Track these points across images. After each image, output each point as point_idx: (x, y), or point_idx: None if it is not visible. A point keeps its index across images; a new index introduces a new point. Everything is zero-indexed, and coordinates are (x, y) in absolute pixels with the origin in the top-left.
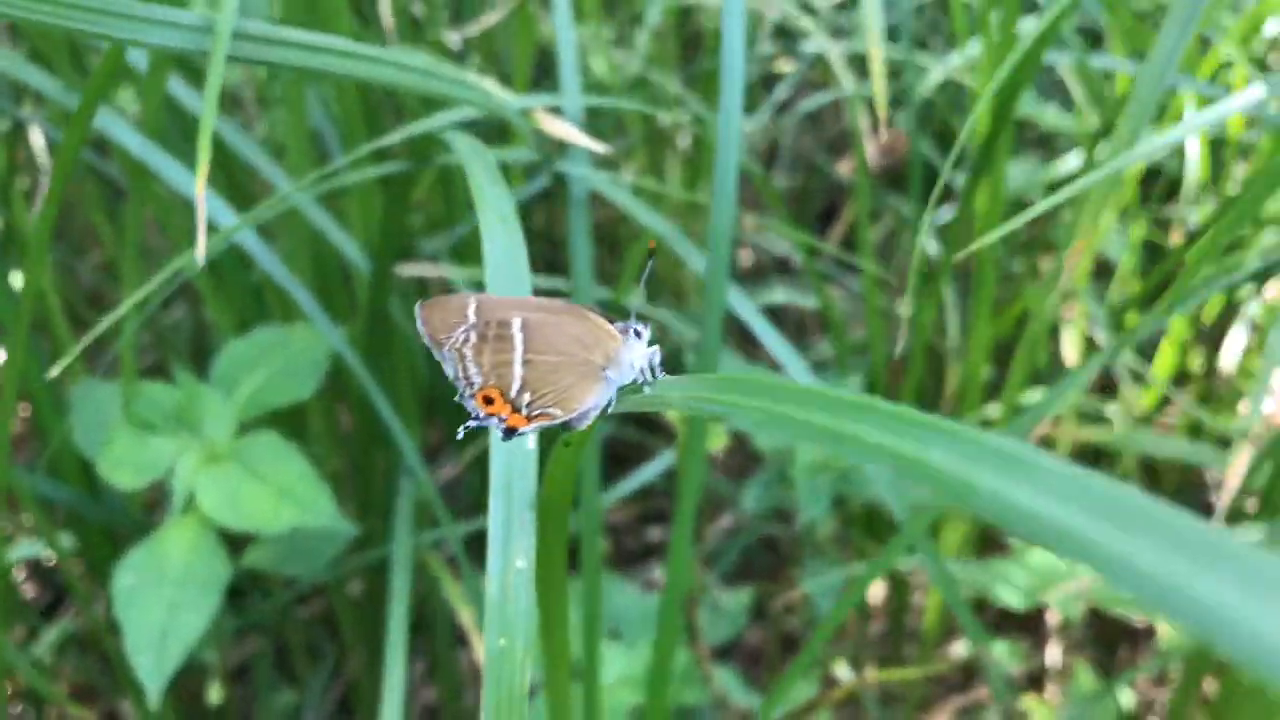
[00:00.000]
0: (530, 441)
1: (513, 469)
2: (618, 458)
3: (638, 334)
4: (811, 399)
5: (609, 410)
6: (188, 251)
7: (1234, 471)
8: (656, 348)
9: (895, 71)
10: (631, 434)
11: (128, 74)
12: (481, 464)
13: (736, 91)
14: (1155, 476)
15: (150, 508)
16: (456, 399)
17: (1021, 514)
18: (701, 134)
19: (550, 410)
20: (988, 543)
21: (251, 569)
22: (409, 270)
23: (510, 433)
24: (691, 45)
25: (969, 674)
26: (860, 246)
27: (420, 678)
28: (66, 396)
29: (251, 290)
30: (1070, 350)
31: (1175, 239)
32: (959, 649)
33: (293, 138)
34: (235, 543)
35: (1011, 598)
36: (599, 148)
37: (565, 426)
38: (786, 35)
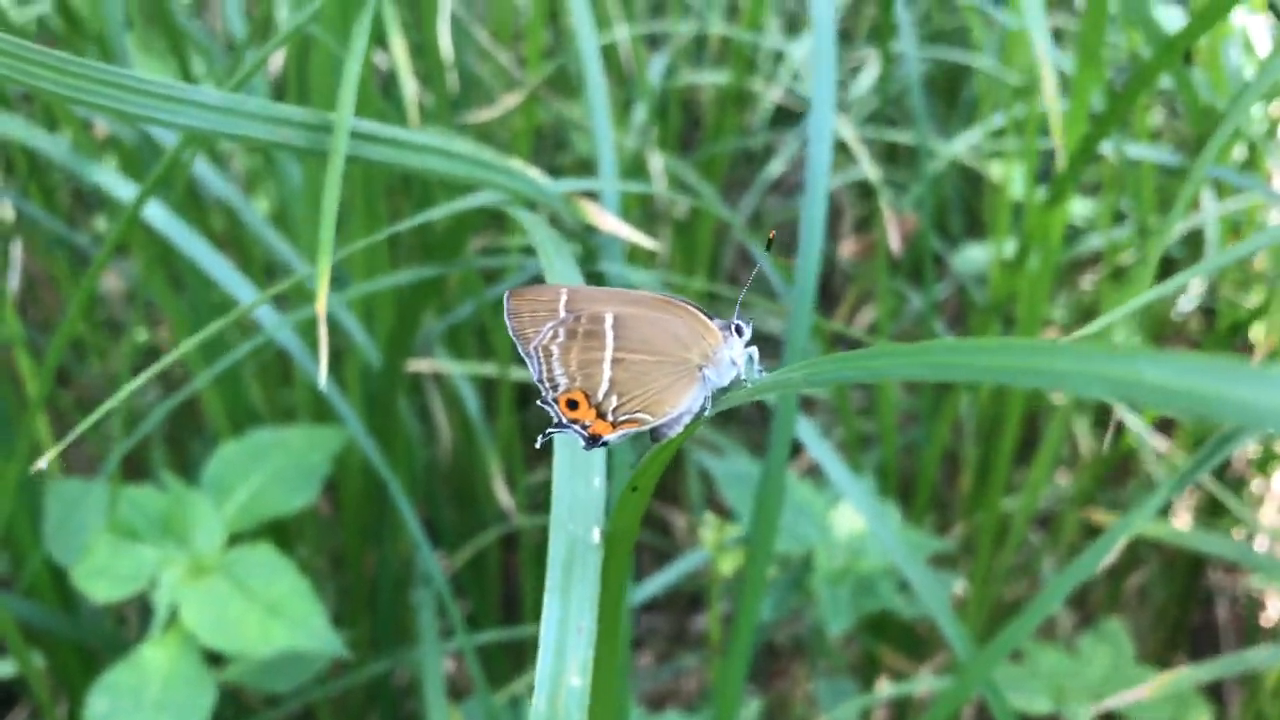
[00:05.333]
0: (595, 535)
1: (574, 560)
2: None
3: (739, 330)
4: (952, 346)
5: (705, 414)
6: (186, 339)
7: None
8: (754, 347)
9: (901, 153)
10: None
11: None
12: (477, 563)
13: (818, 218)
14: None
15: (124, 619)
16: (539, 402)
17: None
18: (700, 211)
19: (639, 415)
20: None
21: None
22: (416, 367)
23: (593, 441)
24: (690, 126)
25: None
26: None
27: None
28: (36, 493)
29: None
30: (1083, 436)
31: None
32: None
33: (309, 221)
34: (215, 654)
35: (1036, 704)
36: (648, 243)
37: (654, 434)
38: (785, 115)
